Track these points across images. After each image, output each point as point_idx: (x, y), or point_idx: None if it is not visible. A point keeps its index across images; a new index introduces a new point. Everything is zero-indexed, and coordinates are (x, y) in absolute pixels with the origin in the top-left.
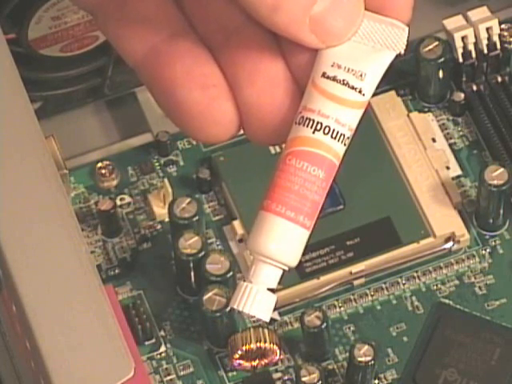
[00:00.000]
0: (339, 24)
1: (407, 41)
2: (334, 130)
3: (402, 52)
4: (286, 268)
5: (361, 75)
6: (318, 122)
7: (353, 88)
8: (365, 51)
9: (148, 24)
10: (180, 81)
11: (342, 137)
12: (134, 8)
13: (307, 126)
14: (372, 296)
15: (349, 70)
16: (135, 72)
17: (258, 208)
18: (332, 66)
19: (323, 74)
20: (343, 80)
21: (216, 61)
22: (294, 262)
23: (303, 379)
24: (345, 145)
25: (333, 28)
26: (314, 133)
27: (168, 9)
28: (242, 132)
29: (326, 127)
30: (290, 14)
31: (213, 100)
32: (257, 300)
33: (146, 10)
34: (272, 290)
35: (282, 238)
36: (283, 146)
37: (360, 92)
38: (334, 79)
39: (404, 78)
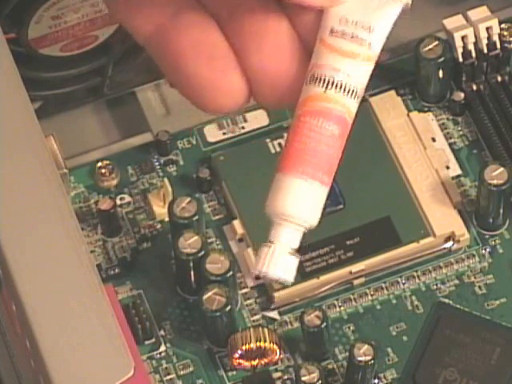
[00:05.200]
0: None
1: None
2: (345, 85)
3: (409, 4)
4: (307, 226)
5: (369, 28)
6: (329, 79)
7: (362, 41)
8: (371, 5)
9: (154, 1)
10: (188, 53)
11: (354, 92)
12: None
13: (319, 84)
14: (372, 296)
15: (356, 23)
16: (144, 47)
17: (274, 171)
18: (339, 21)
19: (331, 31)
20: (351, 33)
21: (223, 32)
22: (314, 221)
23: (303, 379)
24: (357, 102)
25: None
26: (325, 90)
27: None
28: (241, 131)
29: (337, 83)
30: None
31: (221, 71)
32: (280, 261)
33: None
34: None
35: (301, 196)
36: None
37: (369, 45)
38: (342, 34)
39: (404, 77)
